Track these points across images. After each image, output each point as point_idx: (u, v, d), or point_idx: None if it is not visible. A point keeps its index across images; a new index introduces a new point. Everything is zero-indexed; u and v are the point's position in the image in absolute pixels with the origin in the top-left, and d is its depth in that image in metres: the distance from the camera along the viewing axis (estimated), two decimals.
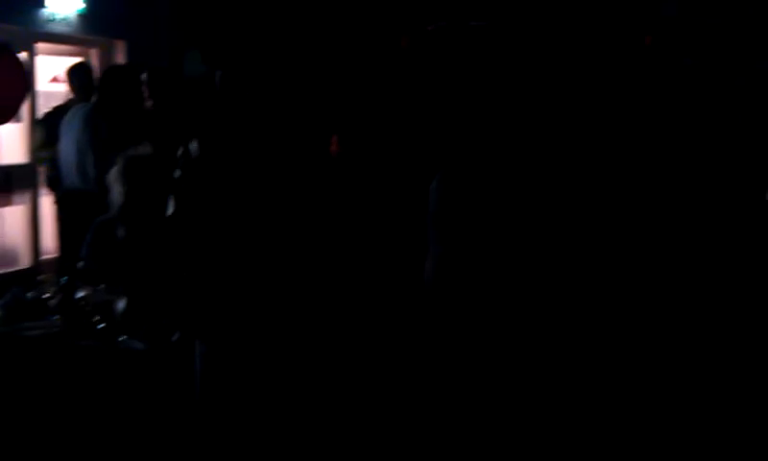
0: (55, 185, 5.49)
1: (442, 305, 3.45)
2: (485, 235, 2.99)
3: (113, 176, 3.55)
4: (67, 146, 5.04)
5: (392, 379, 3.84)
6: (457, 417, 3.20)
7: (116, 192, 3.52)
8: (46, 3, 6.24)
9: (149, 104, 5.75)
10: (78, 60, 6.01)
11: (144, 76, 5.84)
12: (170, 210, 2.80)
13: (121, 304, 3.22)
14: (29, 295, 3.48)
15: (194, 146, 2.80)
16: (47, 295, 3.50)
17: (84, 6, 6.51)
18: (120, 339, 3.13)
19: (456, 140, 3.55)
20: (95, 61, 6.82)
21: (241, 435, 2.76)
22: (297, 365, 2.77)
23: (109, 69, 5.53)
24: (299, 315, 2.76)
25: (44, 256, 6.46)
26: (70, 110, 5.27)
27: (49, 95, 6.35)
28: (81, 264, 3.62)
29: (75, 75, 5.46)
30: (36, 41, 6.35)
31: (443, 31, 8.19)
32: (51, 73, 6.69)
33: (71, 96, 5.53)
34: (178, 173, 2.81)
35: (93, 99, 5.21)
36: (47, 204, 5.92)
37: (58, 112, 5.45)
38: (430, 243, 3.62)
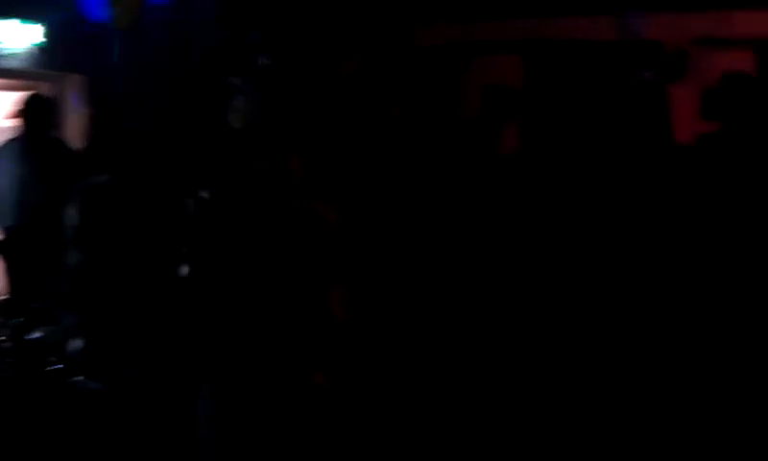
0: None
1: None
2: None
3: (69, 201, 3.51)
4: (2, 182, 4.93)
5: None
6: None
7: (70, 216, 3.48)
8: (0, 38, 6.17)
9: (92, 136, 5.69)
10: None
11: (90, 110, 5.77)
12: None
13: (76, 344, 3.17)
14: None
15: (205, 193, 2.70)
16: (1, 337, 3.45)
17: (42, 40, 6.44)
18: (76, 379, 3.08)
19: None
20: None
21: None
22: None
23: (29, 99, 5.34)
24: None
25: None
26: (3, 146, 5.15)
27: (3, 131, 6.25)
28: (37, 304, 3.57)
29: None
30: None
31: (392, 54, 8.23)
32: (2, 108, 6.59)
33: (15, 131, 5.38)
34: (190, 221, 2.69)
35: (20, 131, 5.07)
36: None
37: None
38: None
